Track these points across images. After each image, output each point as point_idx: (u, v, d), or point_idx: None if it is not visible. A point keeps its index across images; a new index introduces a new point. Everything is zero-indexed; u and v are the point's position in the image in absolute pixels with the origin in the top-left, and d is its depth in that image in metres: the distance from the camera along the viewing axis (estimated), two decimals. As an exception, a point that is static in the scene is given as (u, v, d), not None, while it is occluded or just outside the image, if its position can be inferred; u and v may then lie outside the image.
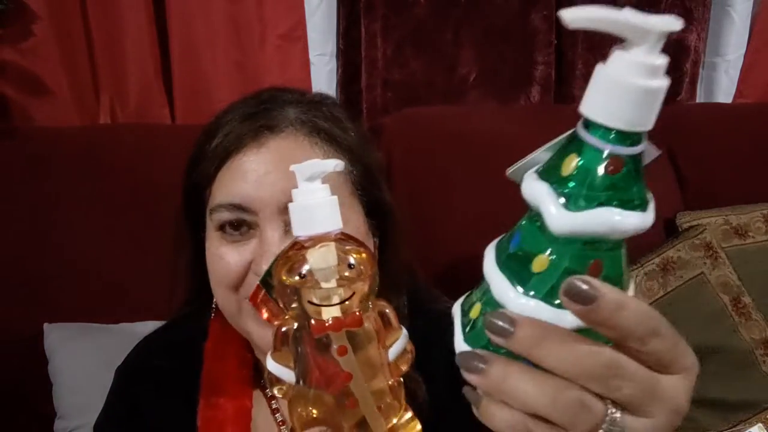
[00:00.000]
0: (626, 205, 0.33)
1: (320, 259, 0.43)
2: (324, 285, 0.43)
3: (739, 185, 1.49)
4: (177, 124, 1.43)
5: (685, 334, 1.15)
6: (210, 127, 0.65)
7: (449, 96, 1.62)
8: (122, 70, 1.37)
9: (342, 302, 0.43)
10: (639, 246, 1.34)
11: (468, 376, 0.36)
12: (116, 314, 1.04)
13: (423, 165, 1.35)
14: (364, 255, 0.45)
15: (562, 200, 0.34)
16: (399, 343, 0.48)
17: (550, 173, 0.36)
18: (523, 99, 1.67)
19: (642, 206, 0.34)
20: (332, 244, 0.44)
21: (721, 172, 1.51)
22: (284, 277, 0.44)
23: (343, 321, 0.43)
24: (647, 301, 1.25)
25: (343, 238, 0.45)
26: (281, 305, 0.46)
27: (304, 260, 0.43)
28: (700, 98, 1.79)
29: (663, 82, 0.32)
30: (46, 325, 1.10)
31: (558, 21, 1.63)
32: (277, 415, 0.71)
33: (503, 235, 0.41)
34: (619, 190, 0.33)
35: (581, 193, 0.33)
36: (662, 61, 0.32)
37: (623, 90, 0.32)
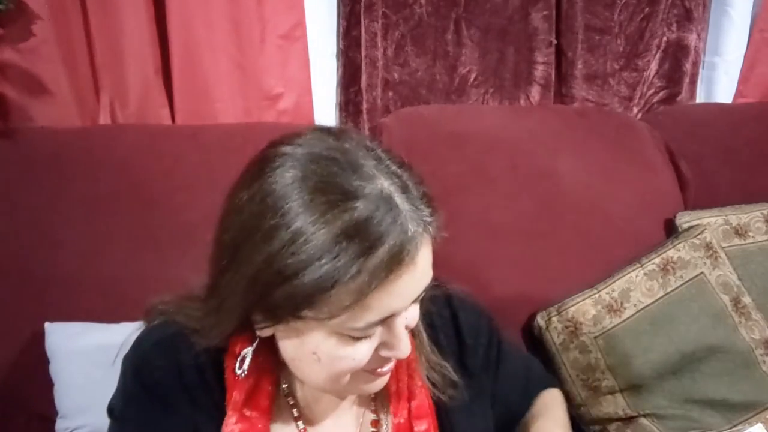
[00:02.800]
0: None
1: None
2: None
3: (739, 185, 1.49)
4: (177, 124, 1.43)
5: (686, 334, 1.16)
6: (320, 246, 0.57)
7: (449, 96, 1.62)
8: (122, 70, 1.37)
9: None
10: (639, 246, 1.34)
11: None
12: (116, 314, 1.05)
13: (423, 165, 1.34)
14: None
15: None
16: None
17: None
18: (523, 99, 1.67)
19: None
20: None
21: (721, 172, 1.51)
22: None
23: None
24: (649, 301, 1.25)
25: None
26: None
27: None
28: (700, 98, 1.80)
29: None
30: (47, 325, 1.10)
31: (558, 21, 1.64)
32: (299, 422, 0.75)
33: None
34: None
35: None
36: None
37: None
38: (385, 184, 0.59)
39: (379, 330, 0.64)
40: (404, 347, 0.65)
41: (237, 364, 0.68)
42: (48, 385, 1.08)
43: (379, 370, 0.68)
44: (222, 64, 1.41)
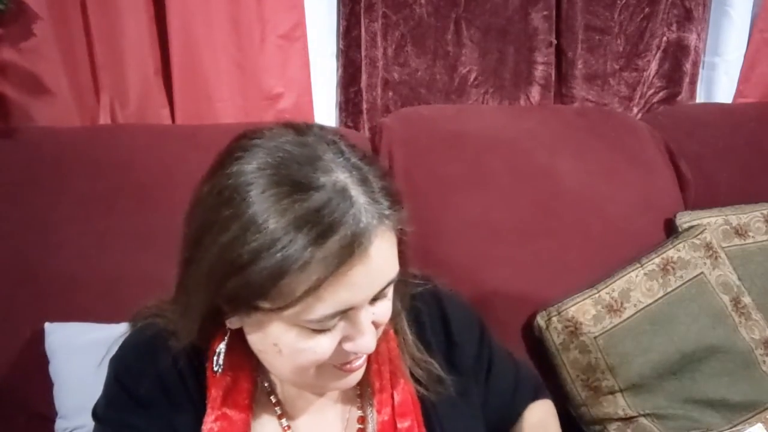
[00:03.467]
0: None
1: None
2: None
3: (739, 185, 1.49)
4: (177, 124, 1.43)
5: (686, 334, 1.16)
6: (271, 235, 0.57)
7: (449, 95, 1.63)
8: (122, 70, 1.36)
9: None
10: (639, 246, 1.34)
11: None
12: (116, 314, 1.04)
13: (423, 164, 1.35)
14: None
15: None
16: None
17: None
18: (523, 99, 1.67)
19: None
20: None
21: (721, 172, 1.51)
22: None
23: None
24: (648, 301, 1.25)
25: None
26: None
27: None
28: (700, 98, 1.80)
29: None
30: (47, 325, 1.10)
31: (558, 21, 1.64)
32: (282, 420, 0.75)
33: None
34: None
35: None
36: None
37: None
38: (341, 176, 0.59)
39: (341, 324, 0.63)
40: (366, 343, 0.64)
41: (214, 361, 0.69)
42: (48, 385, 1.08)
43: (348, 366, 0.67)
44: (222, 64, 1.41)
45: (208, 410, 0.71)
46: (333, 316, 0.61)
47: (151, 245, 1.16)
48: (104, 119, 1.39)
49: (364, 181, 0.60)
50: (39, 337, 1.09)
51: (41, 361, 1.08)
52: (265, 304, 0.60)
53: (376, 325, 0.66)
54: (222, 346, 0.69)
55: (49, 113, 1.31)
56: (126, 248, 1.17)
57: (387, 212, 0.61)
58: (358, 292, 0.61)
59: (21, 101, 1.30)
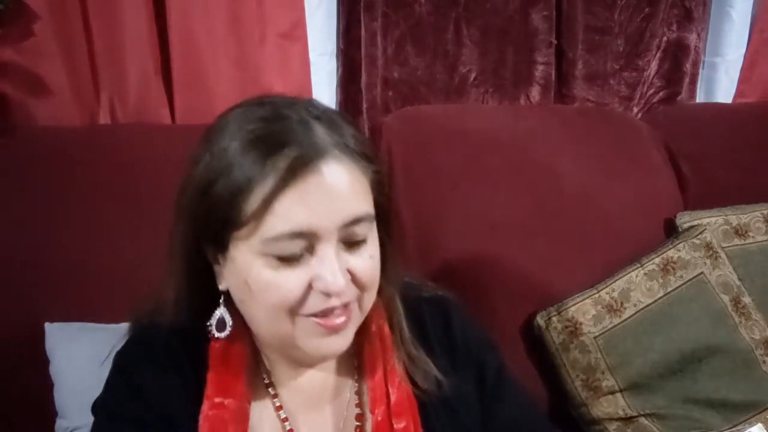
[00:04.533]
0: None
1: None
2: None
3: (739, 185, 1.49)
4: (177, 124, 1.42)
5: (686, 334, 1.16)
6: (232, 154, 0.63)
7: (449, 95, 1.63)
8: (122, 70, 1.36)
9: None
10: (639, 246, 1.34)
11: None
12: (116, 314, 1.04)
13: (423, 164, 1.35)
14: None
15: None
16: None
17: None
18: (523, 99, 1.67)
19: None
20: None
21: (721, 172, 1.51)
22: None
23: None
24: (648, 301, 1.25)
25: None
26: None
27: None
28: (700, 98, 1.80)
29: None
30: (47, 325, 1.10)
31: (558, 21, 1.64)
32: (280, 412, 0.75)
33: None
34: None
35: None
36: None
37: None
38: (308, 116, 0.65)
39: (310, 261, 0.64)
40: (334, 279, 0.63)
41: (215, 330, 0.70)
42: (48, 385, 1.08)
43: (326, 319, 0.66)
44: (222, 63, 1.40)
45: (205, 399, 0.71)
46: (291, 236, 0.62)
47: (151, 245, 1.16)
48: (104, 119, 1.38)
49: (331, 124, 0.65)
50: (39, 337, 1.09)
51: (41, 361, 1.08)
52: (230, 230, 0.63)
53: (353, 276, 0.66)
54: (218, 311, 0.71)
55: (49, 112, 1.31)
56: (126, 248, 1.17)
57: (351, 146, 0.65)
58: (314, 212, 0.62)
59: (21, 101, 1.30)
